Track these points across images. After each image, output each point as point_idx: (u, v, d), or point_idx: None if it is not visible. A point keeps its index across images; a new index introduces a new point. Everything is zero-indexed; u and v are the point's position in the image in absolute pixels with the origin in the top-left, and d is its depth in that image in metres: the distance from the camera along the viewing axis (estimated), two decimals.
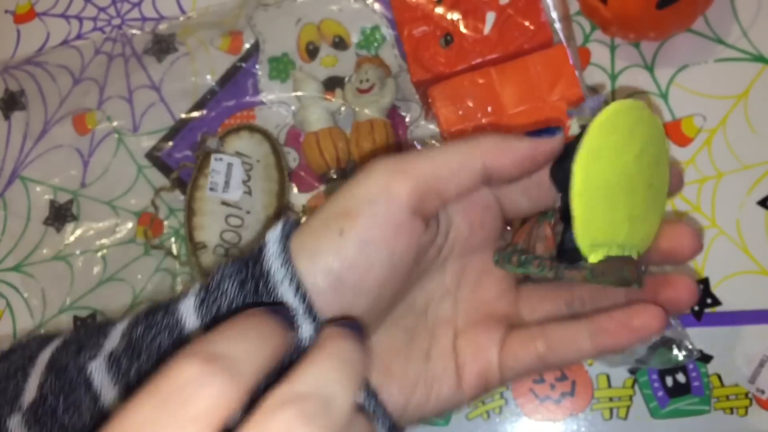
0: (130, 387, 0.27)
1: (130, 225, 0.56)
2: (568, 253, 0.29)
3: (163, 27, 0.58)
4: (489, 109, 0.45)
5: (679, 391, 0.46)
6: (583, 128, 0.28)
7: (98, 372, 0.27)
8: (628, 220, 0.29)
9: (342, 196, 0.28)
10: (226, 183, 0.52)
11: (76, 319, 0.56)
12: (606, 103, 0.28)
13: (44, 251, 0.57)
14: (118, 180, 0.57)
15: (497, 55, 0.46)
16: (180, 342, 0.27)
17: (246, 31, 0.57)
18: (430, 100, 0.46)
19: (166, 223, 0.55)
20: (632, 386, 0.47)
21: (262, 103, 0.55)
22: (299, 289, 0.26)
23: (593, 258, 0.28)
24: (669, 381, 0.46)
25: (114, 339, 0.28)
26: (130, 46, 0.58)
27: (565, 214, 0.28)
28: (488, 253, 0.32)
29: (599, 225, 0.28)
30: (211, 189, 0.52)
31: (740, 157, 0.48)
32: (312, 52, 0.55)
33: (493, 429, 0.48)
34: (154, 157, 0.57)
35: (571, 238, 0.28)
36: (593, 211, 0.28)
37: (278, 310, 0.23)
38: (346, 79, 0.53)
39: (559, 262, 0.29)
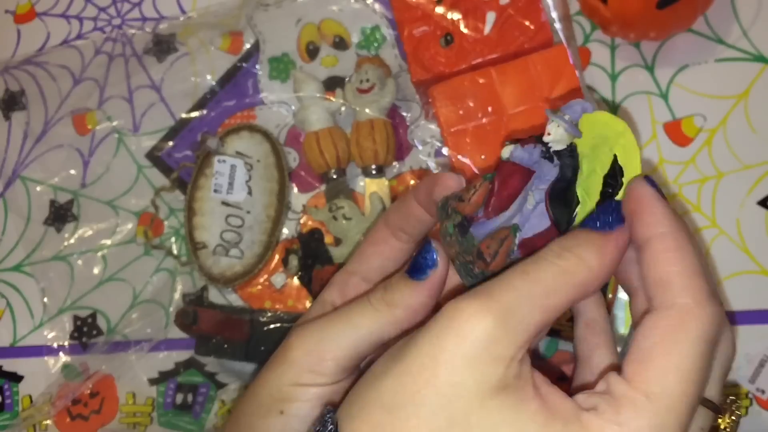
0: None
1: (130, 225, 0.56)
2: None
3: (163, 27, 0.58)
4: (489, 109, 0.45)
5: None
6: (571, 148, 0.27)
7: None
8: None
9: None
10: (230, 185, 0.52)
11: (76, 318, 0.56)
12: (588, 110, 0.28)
13: (44, 251, 0.57)
14: (118, 180, 0.57)
15: (497, 55, 0.46)
16: None
17: (246, 31, 0.57)
18: (430, 100, 0.46)
19: (166, 223, 0.55)
20: None
21: (262, 103, 0.55)
22: None
23: None
24: None
25: None
26: (130, 46, 0.58)
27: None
28: None
29: None
30: (216, 191, 0.52)
31: (740, 157, 0.48)
32: (312, 52, 0.55)
33: None
34: (154, 157, 0.57)
35: None
36: None
37: None
38: (347, 79, 0.53)
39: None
